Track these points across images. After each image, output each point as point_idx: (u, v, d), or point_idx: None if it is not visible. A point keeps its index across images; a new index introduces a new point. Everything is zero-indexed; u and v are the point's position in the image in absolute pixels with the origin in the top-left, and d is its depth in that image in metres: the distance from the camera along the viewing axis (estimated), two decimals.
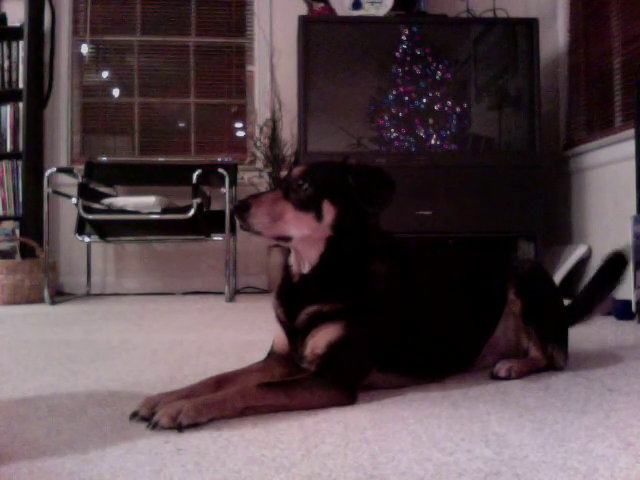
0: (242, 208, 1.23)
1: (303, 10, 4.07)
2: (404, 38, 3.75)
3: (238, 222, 1.25)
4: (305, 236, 1.27)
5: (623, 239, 2.85)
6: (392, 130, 3.72)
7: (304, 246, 1.29)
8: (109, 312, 3.19)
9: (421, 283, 1.42)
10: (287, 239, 1.27)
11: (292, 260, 1.35)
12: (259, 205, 1.23)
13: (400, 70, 3.73)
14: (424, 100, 3.73)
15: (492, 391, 1.33)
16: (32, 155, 4.12)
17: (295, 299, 1.33)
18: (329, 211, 1.28)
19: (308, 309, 1.28)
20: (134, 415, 1.12)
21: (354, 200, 1.30)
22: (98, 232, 3.96)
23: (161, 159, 4.43)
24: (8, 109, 4.13)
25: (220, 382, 1.24)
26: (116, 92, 4.61)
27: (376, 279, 1.32)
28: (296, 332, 1.31)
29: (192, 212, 3.62)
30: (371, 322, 1.29)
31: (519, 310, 1.51)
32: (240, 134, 4.63)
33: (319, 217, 1.27)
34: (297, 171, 1.30)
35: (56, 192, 3.79)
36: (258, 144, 4.30)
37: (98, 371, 1.60)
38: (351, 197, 1.30)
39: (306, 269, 1.31)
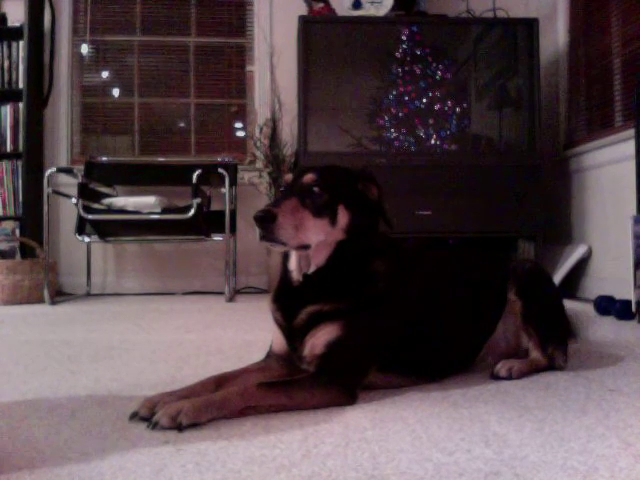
0: (267, 219, 1.17)
1: (303, 10, 4.07)
2: (404, 38, 3.75)
3: (259, 233, 1.19)
4: (320, 242, 1.27)
5: (623, 239, 2.85)
6: (392, 130, 3.72)
7: (315, 251, 1.28)
8: (109, 312, 3.19)
9: (421, 283, 1.42)
10: (307, 247, 1.25)
11: (292, 265, 1.34)
12: (284, 215, 1.19)
13: (400, 70, 3.73)
14: (424, 100, 3.73)
15: (492, 391, 1.33)
16: (32, 155, 4.12)
17: (294, 300, 1.32)
18: (343, 215, 1.28)
19: (308, 308, 1.28)
20: (134, 415, 1.12)
21: (365, 205, 1.33)
22: (98, 232, 3.96)
23: (161, 159, 4.43)
24: (8, 109, 4.12)
25: (220, 382, 1.24)
26: (116, 92, 4.61)
27: (376, 279, 1.32)
28: (295, 333, 1.31)
29: (192, 212, 3.62)
30: (371, 322, 1.29)
31: (519, 310, 1.51)
32: (240, 134, 4.63)
33: (334, 222, 1.27)
34: (309, 177, 1.29)
35: (56, 192, 3.79)
36: (258, 144, 4.29)
37: (98, 371, 1.60)
38: (361, 201, 1.32)
39: (311, 270, 1.31)
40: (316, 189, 1.26)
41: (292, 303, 1.33)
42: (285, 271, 1.36)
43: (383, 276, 1.33)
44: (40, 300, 3.57)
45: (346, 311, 1.26)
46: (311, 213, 1.24)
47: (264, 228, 1.18)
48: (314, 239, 1.25)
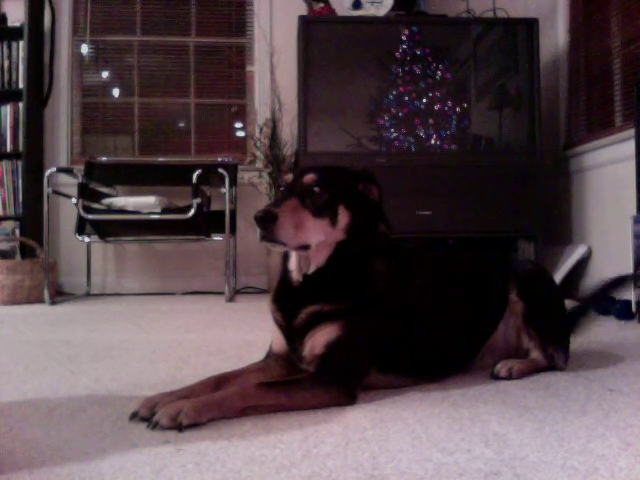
0: (268, 219, 1.17)
1: (303, 10, 4.07)
2: (404, 38, 3.75)
3: (259, 233, 1.18)
4: (321, 242, 1.27)
5: (623, 239, 2.85)
6: (392, 130, 3.72)
7: (316, 251, 1.28)
8: (109, 312, 3.19)
9: (421, 283, 1.42)
10: (307, 247, 1.25)
11: (292, 265, 1.34)
12: (285, 215, 1.18)
13: (400, 70, 3.73)
14: (424, 100, 3.73)
15: (492, 391, 1.33)
16: (32, 155, 4.12)
17: (294, 300, 1.32)
18: (344, 216, 1.28)
19: (308, 309, 1.28)
20: (134, 415, 1.12)
21: (365, 206, 1.32)
22: (98, 232, 3.96)
23: (161, 159, 4.43)
24: (8, 109, 4.12)
25: (219, 382, 1.24)
26: (116, 92, 4.61)
27: (377, 279, 1.32)
28: (295, 333, 1.31)
29: (192, 212, 3.62)
30: (371, 322, 1.29)
31: (521, 311, 1.51)
32: (240, 134, 4.63)
33: (334, 222, 1.27)
34: (310, 177, 1.28)
35: (56, 192, 3.79)
36: (258, 144, 4.29)
37: (98, 371, 1.60)
38: (361, 201, 1.32)
39: (311, 270, 1.31)
40: (316, 189, 1.26)
41: (292, 303, 1.32)
42: (285, 271, 1.36)
43: (383, 276, 1.33)
44: (40, 300, 3.57)
45: (346, 311, 1.26)
46: (311, 213, 1.24)
47: (264, 228, 1.18)
48: (314, 239, 1.25)
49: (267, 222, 1.17)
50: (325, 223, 1.26)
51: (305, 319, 1.28)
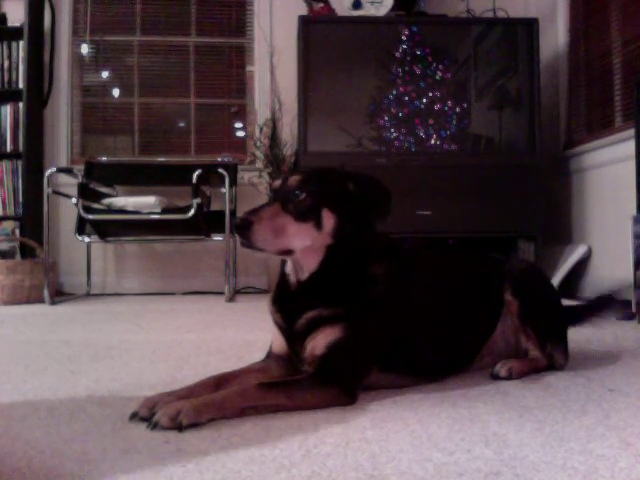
0: (243, 226, 1.18)
1: (303, 10, 4.07)
2: (404, 38, 3.75)
3: (239, 240, 1.20)
4: (306, 247, 1.26)
5: (623, 239, 2.85)
6: (392, 130, 3.72)
7: (304, 256, 1.27)
8: (109, 312, 3.19)
9: (420, 284, 1.42)
10: (290, 252, 1.25)
11: (289, 269, 1.33)
12: (260, 222, 1.19)
13: (400, 70, 3.73)
14: (424, 100, 3.73)
15: (492, 391, 1.33)
16: (32, 155, 4.12)
17: (293, 303, 1.32)
18: (329, 219, 1.26)
19: (308, 314, 1.27)
20: (134, 415, 1.12)
21: (355, 208, 1.29)
22: (98, 232, 3.96)
23: (161, 159, 4.43)
24: (8, 109, 4.13)
25: (219, 382, 1.24)
26: (116, 92, 4.61)
27: (375, 281, 1.31)
28: (295, 336, 1.31)
29: (192, 212, 3.62)
30: (370, 323, 1.29)
31: (516, 310, 1.51)
32: (240, 134, 4.63)
33: (319, 226, 1.25)
34: (293, 181, 1.27)
35: (56, 192, 3.79)
36: (258, 144, 4.29)
37: (98, 371, 1.60)
38: (349, 203, 1.29)
39: (304, 276, 1.30)
40: (299, 193, 1.25)
41: (291, 306, 1.32)
42: (283, 274, 1.36)
43: (381, 279, 1.32)
44: (40, 300, 3.57)
45: (345, 315, 1.26)
46: (293, 218, 1.23)
47: (242, 235, 1.18)
48: (297, 244, 1.24)
49: (243, 229, 1.18)
50: (308, 227, 1.24)
51: (305, 324, 1.28)
